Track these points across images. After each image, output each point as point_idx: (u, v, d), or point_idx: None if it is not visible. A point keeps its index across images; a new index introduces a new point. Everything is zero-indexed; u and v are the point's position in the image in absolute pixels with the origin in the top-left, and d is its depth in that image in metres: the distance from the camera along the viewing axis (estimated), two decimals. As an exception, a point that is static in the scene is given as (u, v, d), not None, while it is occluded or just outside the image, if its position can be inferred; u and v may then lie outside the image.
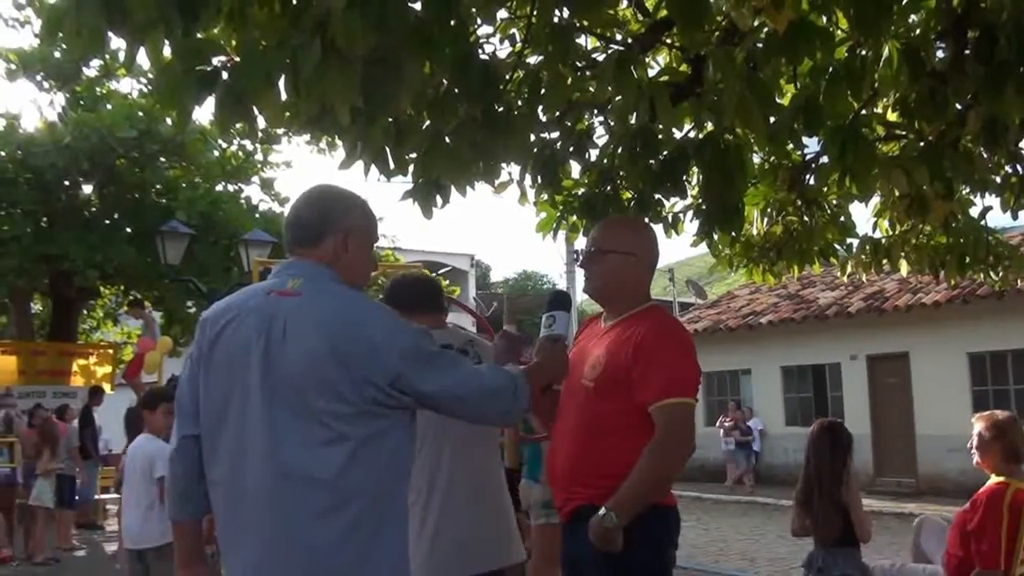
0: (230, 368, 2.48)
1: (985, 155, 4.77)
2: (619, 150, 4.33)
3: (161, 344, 14.49)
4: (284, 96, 2.99)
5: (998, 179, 5.26)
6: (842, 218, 6.08)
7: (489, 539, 3.59)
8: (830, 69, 3.63)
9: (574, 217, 5.17)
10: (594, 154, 4.61)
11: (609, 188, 4.85)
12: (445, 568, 3.49)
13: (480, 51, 3.54)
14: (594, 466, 3.14)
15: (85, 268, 15.79)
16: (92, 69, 18.52)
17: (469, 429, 3.16)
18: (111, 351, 20.20)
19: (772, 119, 3.72)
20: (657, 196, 4.73)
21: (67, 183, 16.82)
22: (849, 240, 6.43)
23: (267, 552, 2.40)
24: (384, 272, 17.50)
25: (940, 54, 4.11)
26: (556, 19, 3.42)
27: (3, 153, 16.10)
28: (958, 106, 4.19)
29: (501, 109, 3.63)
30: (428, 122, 3.66)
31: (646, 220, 4.63)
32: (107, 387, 17.88)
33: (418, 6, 2.88)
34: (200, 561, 2.67)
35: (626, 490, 2.99)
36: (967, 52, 3.86)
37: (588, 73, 4.07)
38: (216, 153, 18.50)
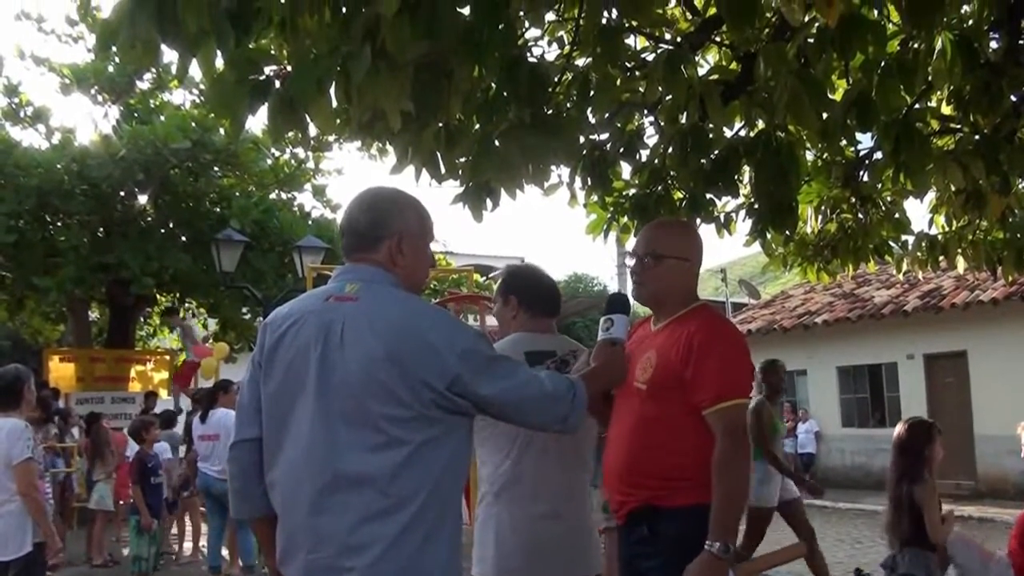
0: (289, 373, 2.51)
1: (1042, 147, 4.69)
2: (670, 150, 4.32)
3: (218, 350, 14.68)
4: (335, 103, 3.02)
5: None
6: (897, 215, 6.01)
7: (565, 546, 3.47)
8: (882, 63, 3.60)
9: (625, 218, 5.16)
10: (644, 155, 4.59)
11: (660, 188, 4.83)
12: (515, 571, 3.43)
13: (529, 54, 3.55)
14: (649, 467, 3.12)
15: (141, 276, 15.99)
16: (145, 82, 18.84)
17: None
18: (167, 357, 20.48)
19: (824, 115, 3.68)
20: (709, 196, 4.72)
21: (123, 194, 17.06)
22: (904, 237, 6.35)
23: (320, 554, 2.42)
24: (436, 276, 17.69)
25: (994, 45, 4.05)
26: (604, 20, 3.41)
27: (60, 166, 16.35)
28: (1013, 98, 4.13)
29: (550, 111, 3.63)
30: (477, 126, 3.68)
31: (690, 221, 4.62)
32: (163, 392, 18.13)
33: (467, 11, 2.89)
34: None
35: (719, 513, 2.94)
36: (1022, 42, 3.80)
37: (637, 73, 4.07)
38: (268, 162, 18.69)
